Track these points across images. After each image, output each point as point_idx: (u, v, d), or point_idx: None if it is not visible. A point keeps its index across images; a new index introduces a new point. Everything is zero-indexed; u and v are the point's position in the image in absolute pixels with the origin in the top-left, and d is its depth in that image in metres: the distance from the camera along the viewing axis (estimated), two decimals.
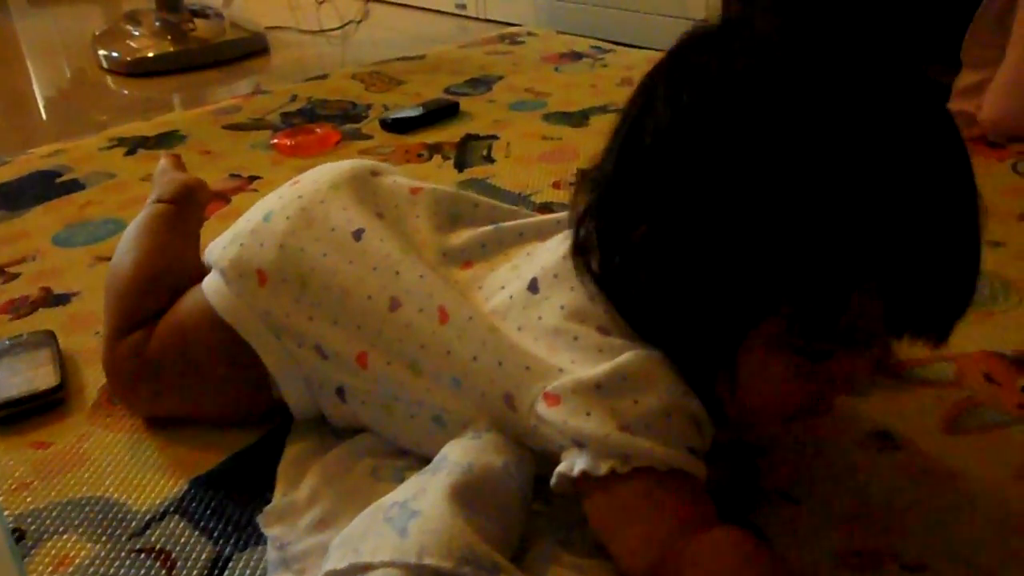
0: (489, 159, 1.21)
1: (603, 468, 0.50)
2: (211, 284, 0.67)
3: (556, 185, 1.10)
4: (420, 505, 0.50)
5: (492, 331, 0.57)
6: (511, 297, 0.58)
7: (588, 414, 0.51)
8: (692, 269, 0.50)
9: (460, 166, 1.19)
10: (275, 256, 0.64)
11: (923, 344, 0.51)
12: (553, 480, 0.53)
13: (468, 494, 0.51)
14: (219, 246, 0.68)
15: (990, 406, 0.67)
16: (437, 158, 1.22)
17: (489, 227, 0.65)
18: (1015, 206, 0.99)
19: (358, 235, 0.63)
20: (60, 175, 1.21)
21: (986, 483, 0.59)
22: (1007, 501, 0.58)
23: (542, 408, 0.53)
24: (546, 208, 1.02)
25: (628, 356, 0.52)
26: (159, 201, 0.78)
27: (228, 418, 0.68)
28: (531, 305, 0.57)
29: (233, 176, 1.17)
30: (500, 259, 0.63)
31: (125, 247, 0.73)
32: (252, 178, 1.17)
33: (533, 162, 1.19)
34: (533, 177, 1.13)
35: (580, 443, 0.51)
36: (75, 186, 1.17)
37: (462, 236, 0.64)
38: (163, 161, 0.88)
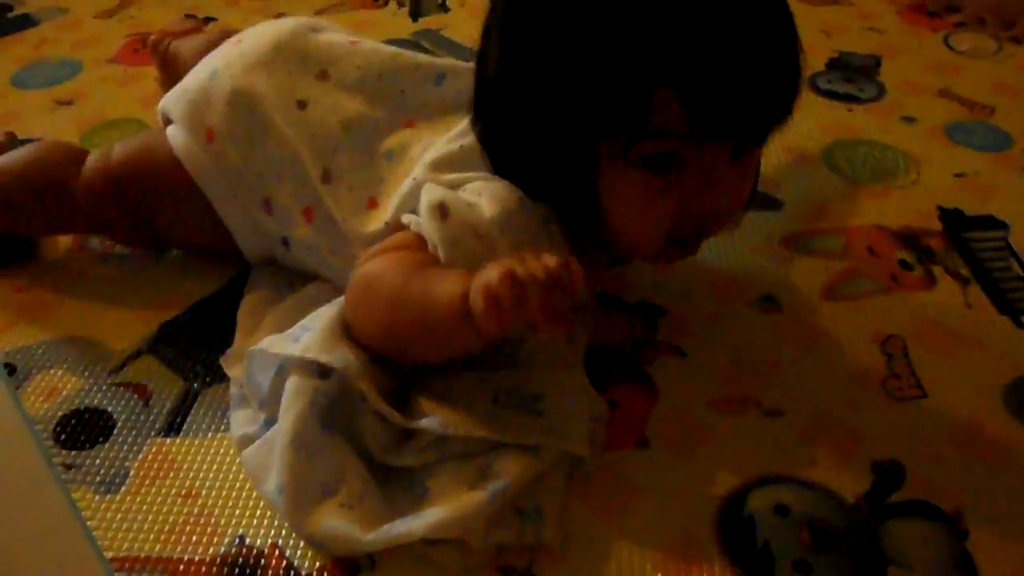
0: (444, 8, 1.22)
1: None
2: (172, 130, 0.72)
3: None
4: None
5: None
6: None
7: None
8: (531, 99, 0.56)
9: (415, 15, 1.20)
10: (224, 114, 0.70)
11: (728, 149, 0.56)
12: None
13: None
14: (171, 99, 0.74)
15: (866, 276, 0.76)
16: (392, 4, 1.22)
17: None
18: (936, 81, 1.04)
19: (302, 105, 0.69)
20: (11, 9, 1.21)
21: (845, 344, 0.70)
22: (860, 361, 0.68)
23: None
24: None
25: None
26: None
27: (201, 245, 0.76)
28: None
29: (188, 17, 1.18)
30: (440, 127, 0.67)
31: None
32: (207, 19, 1.17)
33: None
34: None
35: None
36: (28, 22, 1.17)
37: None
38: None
